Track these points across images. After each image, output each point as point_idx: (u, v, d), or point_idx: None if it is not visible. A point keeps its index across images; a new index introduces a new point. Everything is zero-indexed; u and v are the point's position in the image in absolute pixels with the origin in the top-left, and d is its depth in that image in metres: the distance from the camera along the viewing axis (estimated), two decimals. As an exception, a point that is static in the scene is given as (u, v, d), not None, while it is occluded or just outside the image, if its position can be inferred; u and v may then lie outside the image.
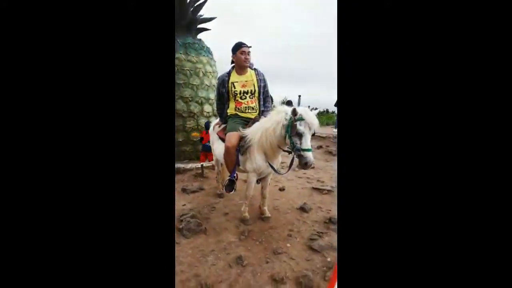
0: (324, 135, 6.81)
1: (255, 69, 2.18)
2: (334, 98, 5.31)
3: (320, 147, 5.74)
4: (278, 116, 1.82)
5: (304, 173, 3.68)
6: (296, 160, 1.78)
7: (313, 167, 3.97)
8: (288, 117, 1.73)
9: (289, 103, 6.21)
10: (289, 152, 1.86)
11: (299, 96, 9.60)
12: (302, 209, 2.42)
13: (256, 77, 2.15)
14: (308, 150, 1.65)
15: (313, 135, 1.75)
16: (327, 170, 3.91)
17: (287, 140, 1.74)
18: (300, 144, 1.66)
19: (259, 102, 2.20)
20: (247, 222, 2.14)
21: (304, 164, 1.66)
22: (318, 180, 3.38)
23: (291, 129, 1.68)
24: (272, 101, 2.29)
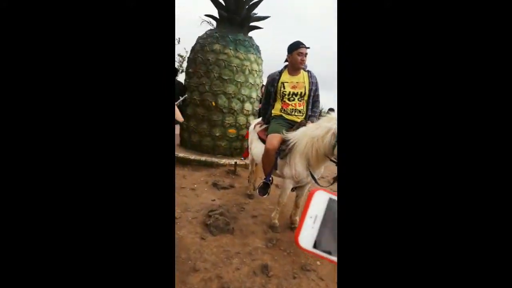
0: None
1: (308, 71, 2.08)
2: None
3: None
4: (329, 123, 1.69)
5: (340, 187, 3.47)
6: None
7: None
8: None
9: (331, 110, 5.99)
10: (336, 163, 1.72)
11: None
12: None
13: (309, 80, 2.04)
14: None
15: None
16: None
17: (336, 150, 1.61)
18: None
19: (307, 106, 2.09)
20: (276, 229, 2.04)
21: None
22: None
23: None
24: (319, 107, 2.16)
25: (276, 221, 2.08)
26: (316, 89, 2.07)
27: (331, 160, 1.75)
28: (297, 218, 2.13)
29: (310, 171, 1.86)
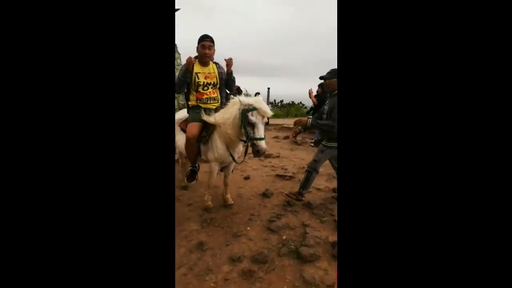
0: (291, 126, 7.02)
1: (216, 63, 2.22)
2: (303, 90, 5.35)
3: (287, 137, 5.94)
4: (234, 107, 1.89)
5: (270, 162, 3.82)
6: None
7: (270, 155, 4.13)
8: (241, 108, 1.80)
9: (256, 94, 6.25)
10: (245, 141, 1.94)
11: (268, 88, 9.73)
12: (264, 194, 2.54)
13: (218, 70, 2.19)
14: (260, 139, 1.74)
15: (267, 124, 1.84)
16: (291, 159, 4.09)
17: (242, 130, 1.82)
18: (253, 133, 1.75)
19: (221, 94, 2.26)
20: (210, 210, 2.21)
21: (256, 152, 1.76)
22: (282, 168, 3.53)
23: (244, 119, 1.77)
24: (240, 93, 2.33)
25: (210, 203, 2.24)
26: (222, 78, 2.24)
27: (241, 140, 1.97)
28: (228, 196, 2.34)
29: (230, 152, 2.05)
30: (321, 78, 2.25)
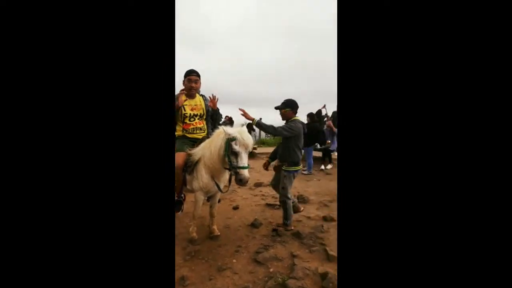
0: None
1: (202, 95, 2.33)
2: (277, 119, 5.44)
3: (279, 166, 5.93)
4: (219, 137, 1.92)
5: (260, 191, 3.76)
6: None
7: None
8: (226, 137, 1.83)
9: (230, 120, 6.29)
10: (229, 170, 1.94)
11: (260, 118, 9.92)
12: (253, 225, 2.46)
13: (204, 102, 2.32)
14: (243, 167, 1.74)
15: (251, 153, 1.85)
16: (283, 187, 4.04)
17: (226, 159, 1.83)
18: (236, 162, 1.76)
19: (207, 124, 2.33)
20: (195, 242, 2.11)
21: (239, 181, 1.75)
22: (272, 197, 3.47)
23: (228, 148, 1.79)
24: (232, 123, 2.46)
25: (195, 234, 2.15)
26: (208, 110, 2.34)
27: (225, 168, 1.97)
28: (215, 227, 2.26)
29: (215, 181, 2.03)
30: (276, 108, 2.42)
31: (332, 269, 1.69)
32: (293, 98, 2.39)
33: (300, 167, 2.37)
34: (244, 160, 1.76)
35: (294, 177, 2.34)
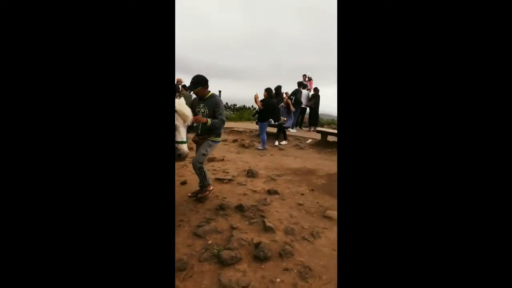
0: (241, 129, 7.08)
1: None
2: (251, 94, 5.45)
3: (235, 140, 5.96)
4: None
5: (212, 166, 3.77)
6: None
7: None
8: None
9: (185, 88, 6.09)
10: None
11: (220, 91, 9.68)
12: (198, 199, 2.49)
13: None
14: (182, 142, 1.70)
15: (190, 127, 1.80)
16: (235, 162, 4.10)
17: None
18: (174, 136, 1.71)
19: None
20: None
21: (178, 156, 1.71)
22: (224, 171, 3.52)
23: None
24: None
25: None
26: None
27: None
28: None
29: None
30: (188, 89, 2.53)
31: (267, 239, 1.82)
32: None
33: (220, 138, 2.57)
34: (182, 134, 1.72)
35: (214, 148, 2.49)
